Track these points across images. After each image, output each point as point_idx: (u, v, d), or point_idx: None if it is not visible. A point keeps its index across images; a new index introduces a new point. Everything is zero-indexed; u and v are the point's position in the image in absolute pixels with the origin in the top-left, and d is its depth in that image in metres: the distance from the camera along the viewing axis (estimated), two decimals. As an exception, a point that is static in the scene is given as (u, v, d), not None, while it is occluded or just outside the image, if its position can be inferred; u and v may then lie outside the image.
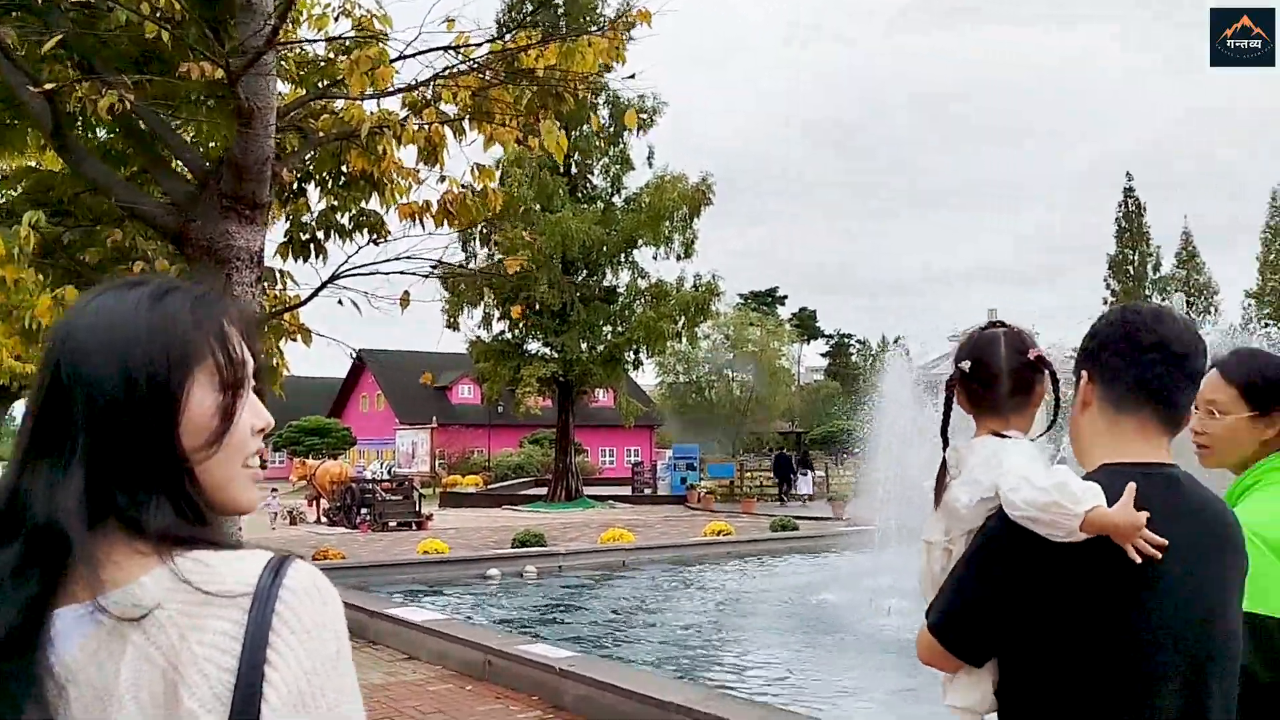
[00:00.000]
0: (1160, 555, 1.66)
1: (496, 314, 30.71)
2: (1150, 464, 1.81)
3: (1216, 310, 55.13)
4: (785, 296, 79.60)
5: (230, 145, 5.32)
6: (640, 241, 30.59)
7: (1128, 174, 63.61)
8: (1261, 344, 12.72)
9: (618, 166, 32.40)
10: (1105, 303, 56.94)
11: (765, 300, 74.40)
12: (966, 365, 1.98)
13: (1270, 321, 14.41)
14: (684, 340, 33.24)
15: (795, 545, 18.49)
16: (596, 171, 32.72)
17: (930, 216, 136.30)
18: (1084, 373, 1.92)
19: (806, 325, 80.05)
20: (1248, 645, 1.86)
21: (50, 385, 1.02)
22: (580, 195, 31.88)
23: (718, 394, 53.81)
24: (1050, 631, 1.74)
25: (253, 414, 1.09)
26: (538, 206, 29.00)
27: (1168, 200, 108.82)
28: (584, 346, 31.03)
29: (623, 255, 31.33)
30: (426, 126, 6.31)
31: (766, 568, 16.43)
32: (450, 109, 6.42)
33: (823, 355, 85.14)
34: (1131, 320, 1.87)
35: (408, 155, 6.48)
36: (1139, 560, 1.66)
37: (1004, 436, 1.93)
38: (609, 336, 31.38)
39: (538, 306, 29.01)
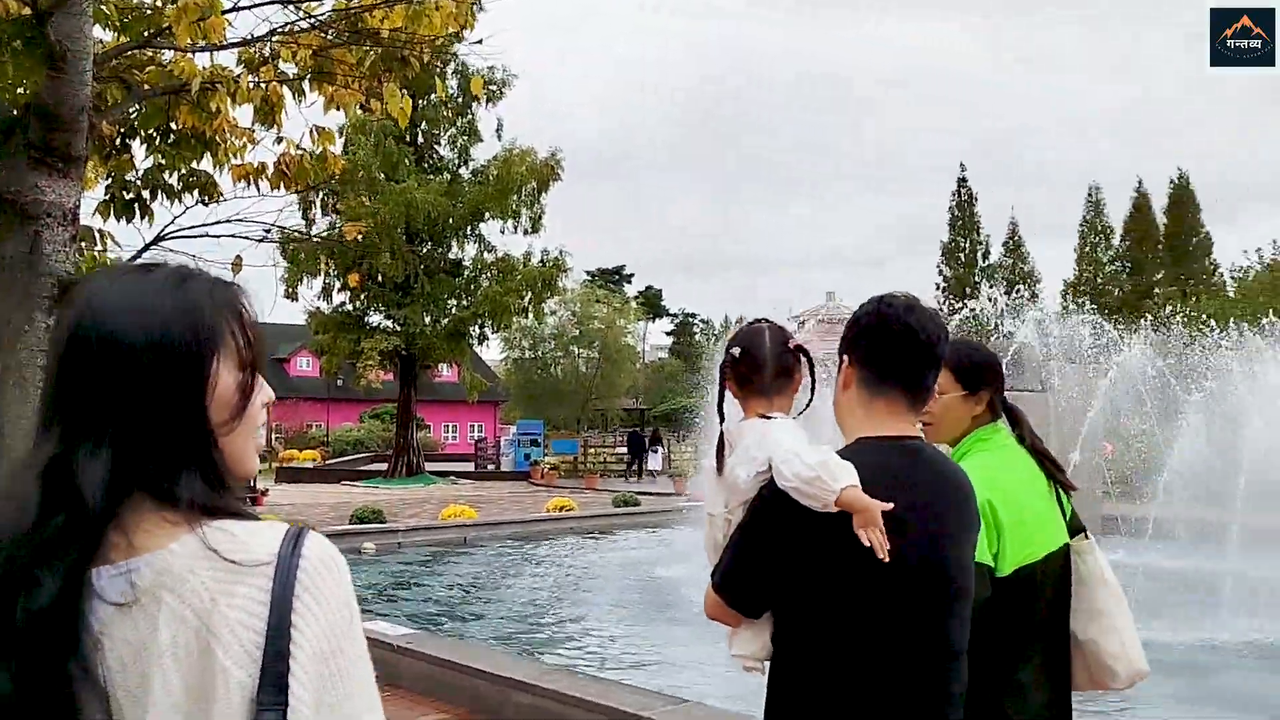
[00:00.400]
0: (887, 549, 1.90)
1: (337, 284, 29.83)
2: (898, 437, 2.10)
3: (1038, 298, 58.14)
4: (632, 275, 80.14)
5: (40, 91, 4.94)
6: (487, 215, 30.20)
7: (961, 165, 66.23)
8: (1080, 329, 13.46)
9: (465, 138, 31.87)
10: (938, 288, 59.30)
11: (612, 278, 74.65)
12: (736, 352, 2.25)
13: (1082, 308, 15.25)
14: (530, 316, 33.02)
15: (638, 520, 18.64)
16: (443, 142, 32.12)
17: (778, 198, 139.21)
18: (845, 357, 2.18)
19: (652, 304, 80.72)
20: None
21: (77, 361, 1.09)
22: (426, 166, 31.25)
23: (563, 370, 53.76)
24: (815, 585, 2.00)
25: (262, 391, 1.20)
26: (381, 175, 28.28)
27: (1003, 191, 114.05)
28: (427, 320, 30.49)
29: (469, 228, 30.88)
30: (263, 85, 6.02)
31: (608, 543, 16.51)
32: (289, 68, 6.13)
33: (667, 334, 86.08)
34: (886, 311, 2.13)
35: (243, 114, 6.17)
36: (866, 544, 1.90)
37: (769, 417, 2.19)
38: (453, 310, 30.93)
39: (380, 278, 28.33)
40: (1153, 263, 55.27)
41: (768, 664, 2.12)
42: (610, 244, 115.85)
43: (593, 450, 39.12)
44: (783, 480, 1.98)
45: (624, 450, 37.40)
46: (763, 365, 2.23)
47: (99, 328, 1.09)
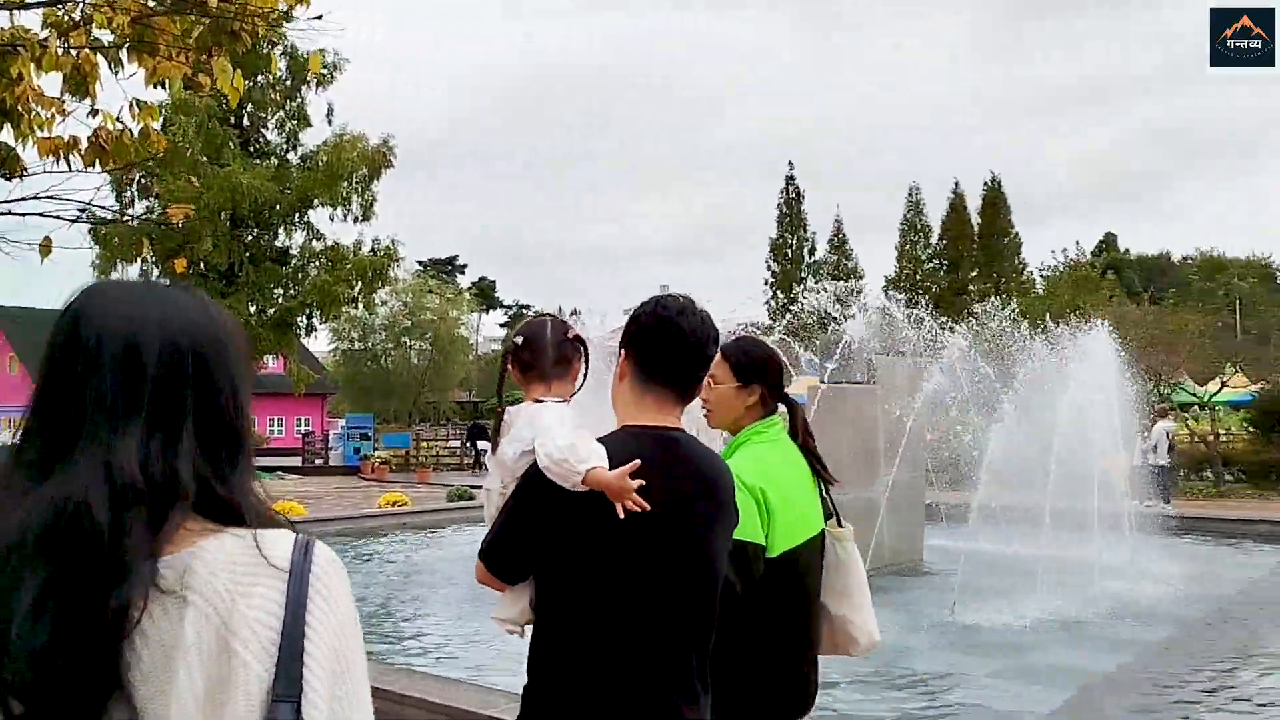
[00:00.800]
0: (646, 508, 2.08)
1: (156, 271, 28.33)
2: (660, 427, 2.28)
3: (861, 293, 60.16)
4: (466, 265, 79.29)
5: None
6: (316, 201, 29.16)
7: (790, 163, 67.97)
8: (901, 323, 13.95)
9: (294, 122, 30.73)
10: (766, 283, 60.77)
11: (445, 268, 73.63)
12: (519, 341, 2.48)
13: (907, 303, 15.80)
14: (360, 306, 32.11)
15: (473, 515, 18.30)
16: (271, 126, 30.91)
17: (612, 192, 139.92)
18: (623, 350, 2.36)
19: (486, 295, 80.00)
20: (731, 565, 2.37)
21: (125, 366, 1.14)
22: (253, 150, 30.01)
23: (394, 362, 52.58)
24: (569, 557, 2.17)
25: None
26: (205, 158, 26.99)
27: (829, 190, 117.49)
28: (252, 310, 29.28)
29: (297, 215, 29.77)
30: (75, 52, 5.59)
31: (443, 538, 16.23)
32: (105, 35, 5.72)
33: (501, 325, 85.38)
34: (661, 313, 2.32)
35: (50, 83, 5.72)
36: (622, 515, 2.08)
37: (542, 402, 2.40)
38: (280, 300, 29.78)
39: (203, 265, 27.05)
40: (968, 260, 58.01)
41: (528, 628, 2.30)
42: (443, 234, 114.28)
43: (425, 444, 38.46)
44: (539, 460, 2.17)
45: (457, 444, 36.90)
46: (543, 353, 2.44)
47: (158, 339, 1.16)
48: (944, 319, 16.55)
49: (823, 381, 12.14)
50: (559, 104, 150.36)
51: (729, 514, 2.34)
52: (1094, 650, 8.23)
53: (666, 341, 2.31)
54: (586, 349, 2.52)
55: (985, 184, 59.55)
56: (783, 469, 2.75)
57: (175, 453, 1.13)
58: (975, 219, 59.06)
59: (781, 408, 2.96)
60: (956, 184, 59.75)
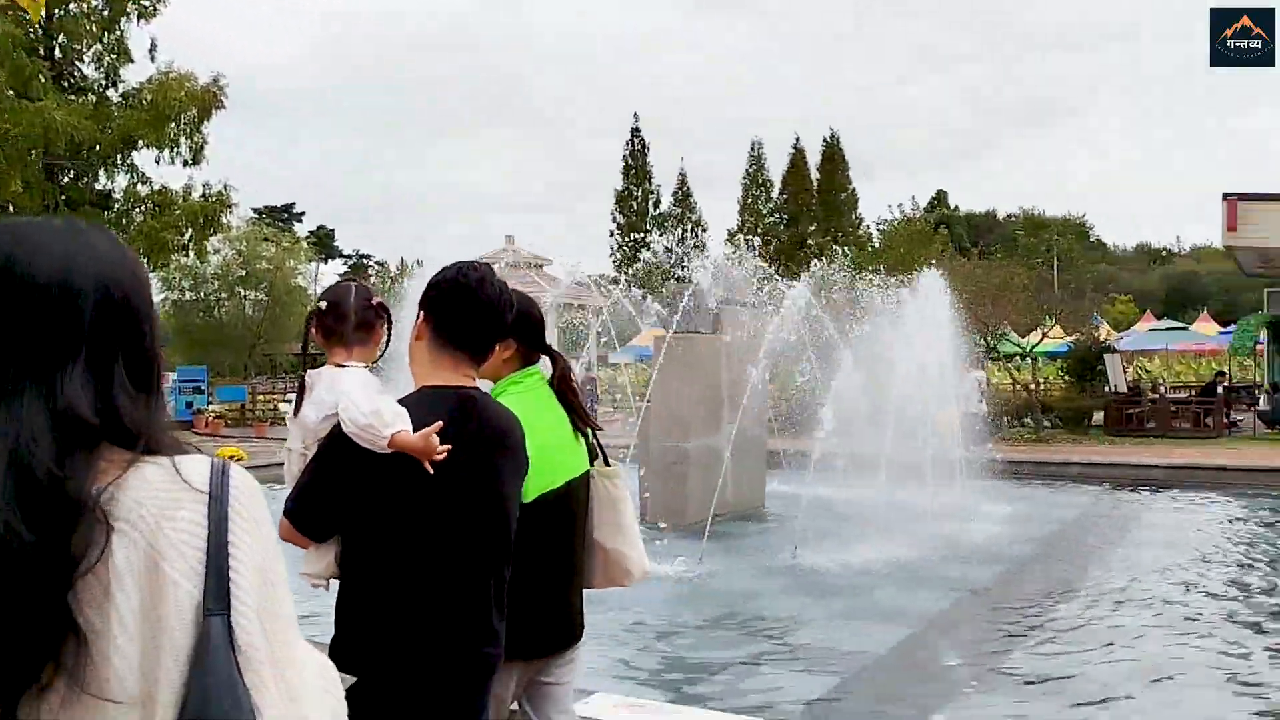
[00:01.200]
0: (440, 455, 2.23)
1: (-42, 215, 26.39)
2: (458, 387, 2.43)
3: (705, 247, 60.89)
4: (303, 213, 76.59)
5: None
6: (141, 143, 27.52)
7: (635, 114, 67.99)
8: (748, 275, 14.14)
9: (113, 56, 28.83)
10: (611, 234, 60.88)
11: (282, 216, 70.99)
12: (323, 305, 2.60)
13: (748, 258, 16.06)
14: (191, 254, 30.67)
15: (313, 469, 17.90)
16: (88, 59, 28.95)
17: (456, 142, 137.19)
18: (422, 313, 2.49)
19: (325, 244, 77.52)
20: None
21: (62, 306, 1.16)
22: (67, 85, 28.05)
23: (228, 313, 50.55)
24: (376, 514, 2.31)
25: None
26: (10, 92, 25.14)
27: (675, 143, 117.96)
28: (71, 257, 27.58)
29: (120, 157, 28.08)
30: None
31: (282, 492, 15.75)
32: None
33: (341, 276, 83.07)
34: (461, 280, 2.46)
35: None
36: (431, 472, 2.23)
37: (344, 366, 2.52)
38: (102, 246, 28.13)
39: (11, 209, 25.29)
40: (807, 215, 59.34)
41: (334, 581, 2.44)
42: (280, 181, 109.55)
43: (262, 397, 37.24)
44: (344, 425, 2.28)
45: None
46: (346, 318, 2.56)
47: (72, 275, 1.17)
48: (785, 271, 16.88)
49: (668, 332, 12.21)
50: (402, 50, 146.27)
51: (520, 462, 2.54)
52: (929, 590, 8.60)
53: (465, 307, 2.45)
54: (390, 316, 2.63)
55: (824, 140, 60.92)
56: (534, 417, 2.83)
57: (111, 388, 1.17)
58: (815, 175, 60.39)
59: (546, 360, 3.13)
60: (797, 139, 60.97)
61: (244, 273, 49.91)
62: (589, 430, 3.11)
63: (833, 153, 60.45)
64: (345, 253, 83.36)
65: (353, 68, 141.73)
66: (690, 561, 9.34)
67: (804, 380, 14.95)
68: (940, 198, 78.12)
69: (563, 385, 3.06)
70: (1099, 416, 23.76)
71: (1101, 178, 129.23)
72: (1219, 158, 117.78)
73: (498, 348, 2.81)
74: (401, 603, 2.30)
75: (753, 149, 61.61)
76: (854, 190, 60.77)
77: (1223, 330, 37.86)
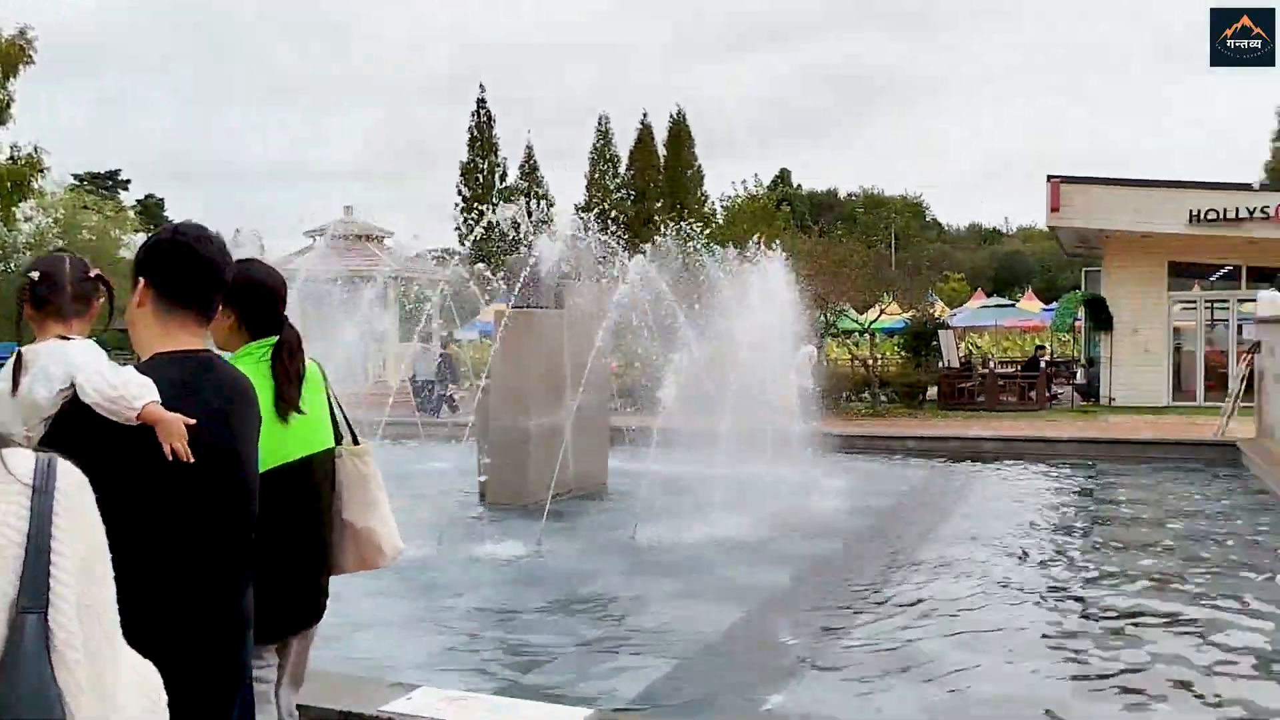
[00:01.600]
0: (190, 459, 2.17)
1: None
2: (191, 351, 2.38)
3: (552, 221, 60.33)
4: (129, 181, 72.57)
5: None
6: (-63, 99, 25.48)
7: (481, 85, 66.86)
8: (590, 249, 13.89)
9: (-95, 4, 26.60)
10: (456, 207, 59.79)
11: (105, 184, 67.12)
12: (35, 276, 2.56)
13: (598, 229, 15.78)
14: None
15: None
16: (-126, 7, 26.58)
17: (290, 110, 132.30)
18: (141, 279, 2.38)
19: (152, 214, 73.56)
20: None
21: None
22: None
23: (44, 285, 47.59)
24: (116, 488, 2.18)
25: None
26: None
27: (523, 115, 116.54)
28: None
29: (-88, 114, 25.91)
30: None
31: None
32: None
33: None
34: (179, 239, 2.39)
35: None
36: (170, 458, 2.15)
37: (67, 339, 2.47)
38: (-106, 212, 25.97)
39: None
40: (654, 191, 59.55)
41: None
42: (103, 147, 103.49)
43: (81, 374, 35.20)
44: (87, 397, 2.18)
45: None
46: (61, 289, 2.53)
47: None
48: (631, 246, 16.70)
49: (510, 307, 11.86)
50: (235, 9, 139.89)
51: (256, 421, 2.51)
52: (768, 565, 8.55)
53: (185, 267, 2.37)
54: (110, 288, 2.59)
55: (671, 117, 61.17)
56: (266, 393, 2.81)
57: None
58: (662, 151, 60.62)
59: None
60: (645, 116, 61.05)
61: (62, 242, 46.98)
62: (339, 407, 3.13)
63: (679, 129, 60.79)
64: (175, 222, 79.65)
65: (181, 26, 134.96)
66: (528, 543, 9.07)
67: (646, 356, 14.83)
68: (784, 176, 79.47)
69: (286, 361, 2.99)
70: (933, 391, 24.51)
71: (937, 158, 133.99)
72: (1054, 143, 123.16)
73: (219, 315, 2.71)
74: (151, 580, 2.17)
75: (600, 124, 61.45)
76: (700, 168, 61.27)
77: (1045, 307, 39.83)
